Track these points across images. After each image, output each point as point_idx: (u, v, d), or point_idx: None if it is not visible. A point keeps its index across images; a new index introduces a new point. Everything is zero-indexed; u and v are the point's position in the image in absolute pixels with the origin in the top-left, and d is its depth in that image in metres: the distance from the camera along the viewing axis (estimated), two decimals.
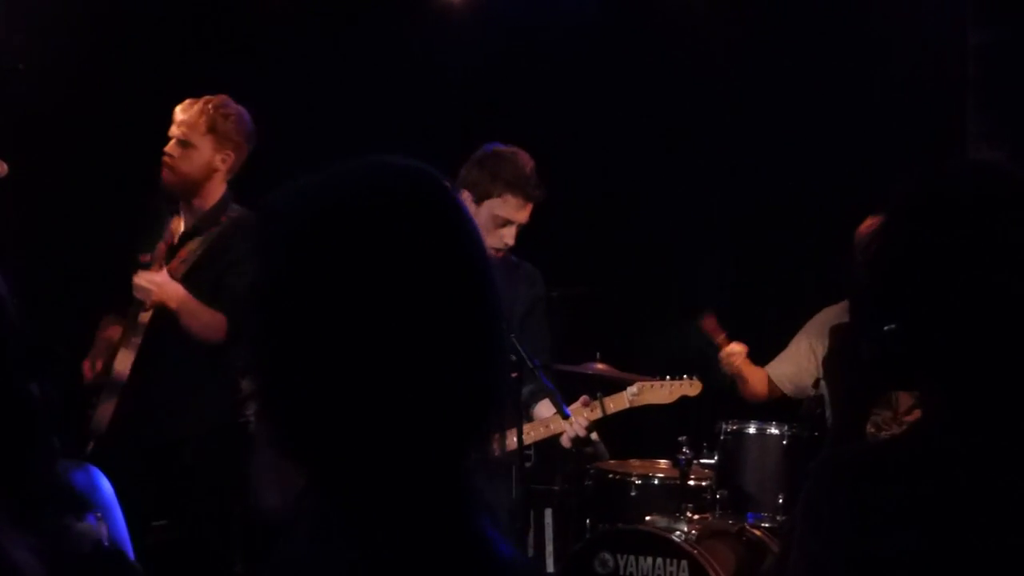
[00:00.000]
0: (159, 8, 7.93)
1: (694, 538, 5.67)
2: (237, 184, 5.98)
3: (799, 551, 2.22)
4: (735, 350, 6.10)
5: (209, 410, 5.79)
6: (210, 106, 5.95)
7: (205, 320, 5.74)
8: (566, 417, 5.22)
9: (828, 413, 5.43)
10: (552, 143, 7.44)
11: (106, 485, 2.68)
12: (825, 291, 6.10)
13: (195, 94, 7.96)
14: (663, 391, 5.51)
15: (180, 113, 5.95)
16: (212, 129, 5.93)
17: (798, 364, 6.01)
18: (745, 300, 7.41)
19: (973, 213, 2.18)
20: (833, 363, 2.57)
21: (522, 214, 5.45)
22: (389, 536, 1.62)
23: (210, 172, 5.95)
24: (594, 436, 6.02)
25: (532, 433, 5.33)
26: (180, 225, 5.97)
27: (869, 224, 5.75)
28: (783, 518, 5.67)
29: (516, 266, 5.66)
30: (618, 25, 7.85)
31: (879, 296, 2.21)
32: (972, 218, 2.17)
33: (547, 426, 5.34)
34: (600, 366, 5.80)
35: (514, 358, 5.12)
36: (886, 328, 2.19)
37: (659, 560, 5.61)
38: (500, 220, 5.44)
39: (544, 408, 5.44)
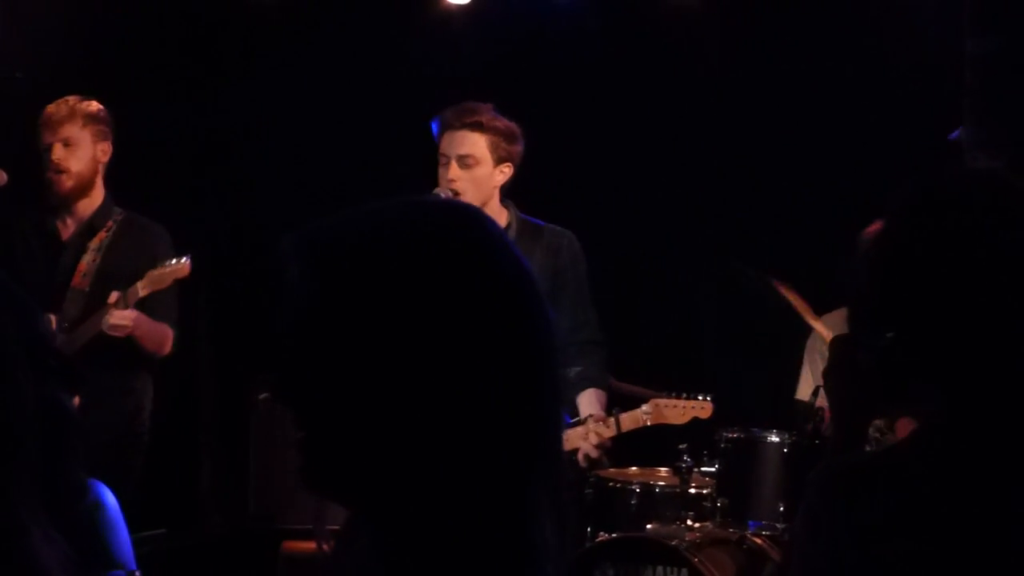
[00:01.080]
0: (157, 15, 7.93)
1: (695, 546, 5.67)
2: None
3: (799, 559, 2.22)
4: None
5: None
6: (78, 103, 6.02)
7: (158, 338, 5.91)
8: (569, 424, 5.23)
9: (826, 423, 5.43)
10: (552, 148, 7.46)
11: (111, 501, 2.69)
12: (821, 298, 6.10)
13: (193, 101, 7.98)
14: (676, 411, 5.49)
15: (51, 118, 5.98)
16: (87, 123, 5.99)
17: (804, 378, 6.05)
18: (740, 304, 7.40)
19: (970, 221, 2.18)
20: (833, 373, 2.57)
21: (450, 146, 5.44)
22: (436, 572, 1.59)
23: (96, 167, 6.03)
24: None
25: (577, 436, 5.32)
26: (63, 232, 6.04)
27: (870, 233, 5.74)
28: (784, 526, 5.67)
29: (537, 233, 5.61)
30: (617, 30, 7.86)
31: (877, 305, 2.21)
32: (969, 226, 2.18)
33: (565, 439, 5.33)
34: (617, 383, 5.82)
35: None
36: (883, 337, 2.19)
37: (660, 568, 5.60)
38: (441, 160, 5.47)
39: (585, 400, 5.43)
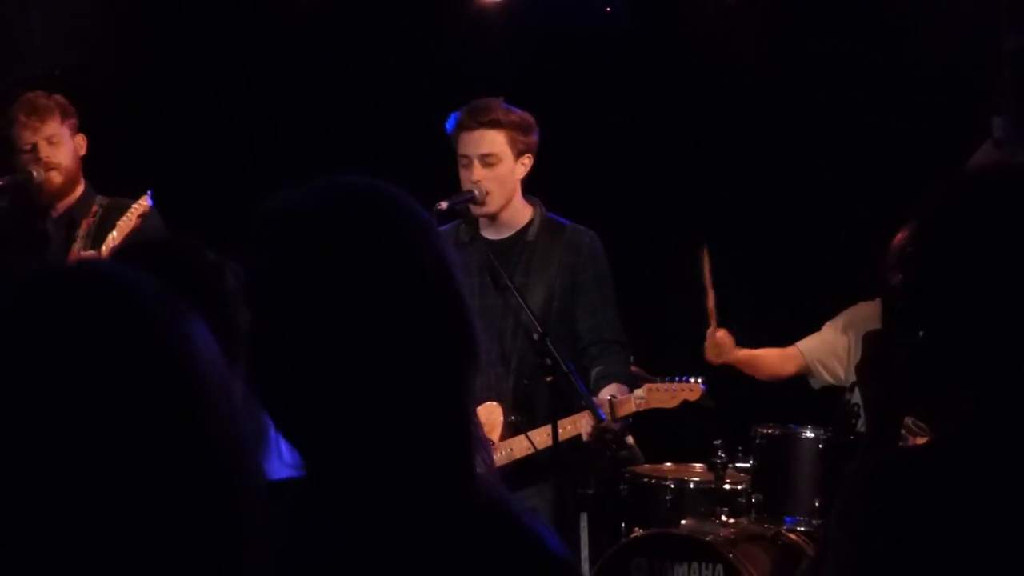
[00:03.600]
0: (193, 14, 7.96)
1: (729, 542, 5.67)
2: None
3: (834, 556, 2.22)
4: (725, 344, 6.08)
5: None
6: (49, 99, 6.04)
7: None
8: (600, 420, 5.21)
9: (862, 419, 5.42)
10: (586, 146, 7.46)
11: None
12: (853, 292, 6.11)
13: (227, 98, 8.01)
14: (666, 395, 5.46)
15: (30, 117, 5.98)
16: (65, 118, 6.02)
17: (832, 349, 6.03)
18: (774, 301, 7.39)
19: (1006, 218, 2.18)
20: (866, 369, 2.57)
21: (471, 146, 5.44)
22: (381, 519, 1.74)
23: (78, 160, 6.03)
24: (629, 440, 6.01)
25: (576, 424, 5.31)
26: (51, 225, 6.05)
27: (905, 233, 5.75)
28: (819, 522, 5.66)
29: (559, 231, 5.59)
30: (651, 27, 7.85)
31: (911, 301, 2.22)
32: (1005, 223, 2.17)
33: (573, 424, 5.32)
34: (631, 368, 5.79)
35: (549, 361, 5.09)
36: (917, 334, 2.19)
37: (694, 564, 5.61)
38: (462, 161, 5.48)
39: (604, 392, 5.41)
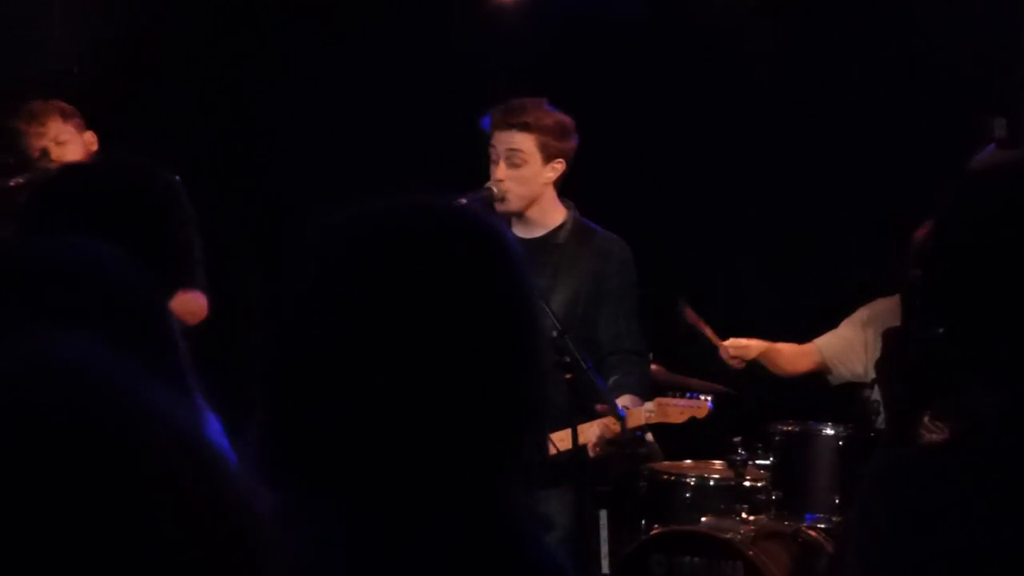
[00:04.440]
0: (209, 11, 7.97)
1: (749, 539, 5.66)
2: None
3: (854, 553, 2.21)
4: (748, 344, 6.07)
5: None
6: (47, 103, 6.05)
7: (190, 303, 5.83)
8: (620, 418, 5.20)
9: (882, 416, 5.41)
10: (601, 141, 7.45)
11: None
12: (871, 289, 6.10)
13: (244, 95, 8.02)
14: (675, 410, 5.47)
15: (31, 123, 5.98)
16: (68, 118, 6.02)
17: (850, 345, 6.02)
18: (788, 301, 7.39)
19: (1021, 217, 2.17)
20: (886, 366, 2.56)
21: (500, 143, 5.43)
22: (393, 541, 1.68)
23: (91, 156, 6.02)
24: (648, 437, 6.01)
25: (584, 432, 5.31)
26: None
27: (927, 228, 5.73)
28: (839, 519, 5.65)
29: (589, 237, 5.57)
30: (665, 25, 7.84)
31: (930, 299, 2.21)
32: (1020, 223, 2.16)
33: (583, 432, 5.31)
34: (653, 367, 5.79)
35: (567, 359, 5.08)
36: (937, 331, 2.18)
37: (714, 562, 5.60)
38: (491, 155, 5.47)
39: (623, 402, 5.40)
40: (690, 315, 6.12)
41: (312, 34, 8.18)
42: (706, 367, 6.18)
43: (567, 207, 5.61)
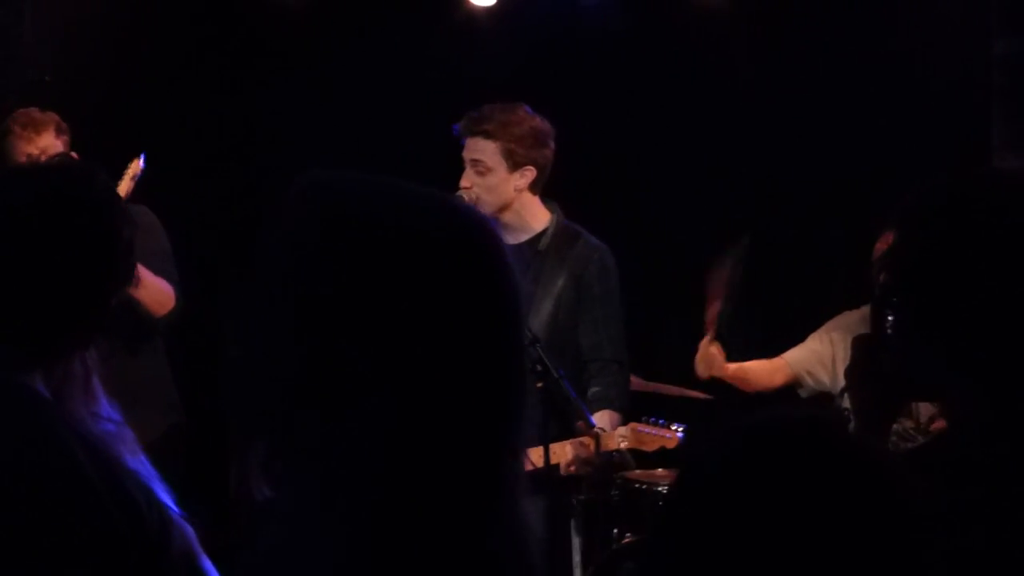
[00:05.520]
0: (186, 18, 7.96)
1: None
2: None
3: None
4: (715, 361, 6.07)
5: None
6: (45, 114, 6.06)
7: (155, 290, 5.82)
8: (591, 427, 5.20)
9: (852, 423, 5.42)
10: (578, 149, 7.45)
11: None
12: (846, 297, 6.12)
13: (219, 103, 8.00)
14: (648, 438, 5.43)
15: (26, 128, 5.99)
16: (59, 133, 6.04)
17: (818, 358, 6.04)
18: (763, 307, 7.40)
19: (997, 221, 2.17)
20: (856, 374, 2.57)
21: (465, 150, 5.45)
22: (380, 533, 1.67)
23: None
24: (622, 445, 6.01)
25: (557, 452, 5.29)
26: None
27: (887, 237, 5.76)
28: None
29: (572, 241, 5.56)
30: (641, 31, 7.85)
31: (900, 305, 2.21)
32: (996, 226, 2.17)
33: (561, 449, 5.31)
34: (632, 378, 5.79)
35: (539, 368, 5.07)
36: (907, 338, 2.19)
37: None
38: (463, 163, 5.48)
39: (597, 419, 5.38)
40: (733, 270, 6.06)
41: (290, 43, 8.17)
42: (683, 372, 6.19)
43: (551, 210, 5.58)
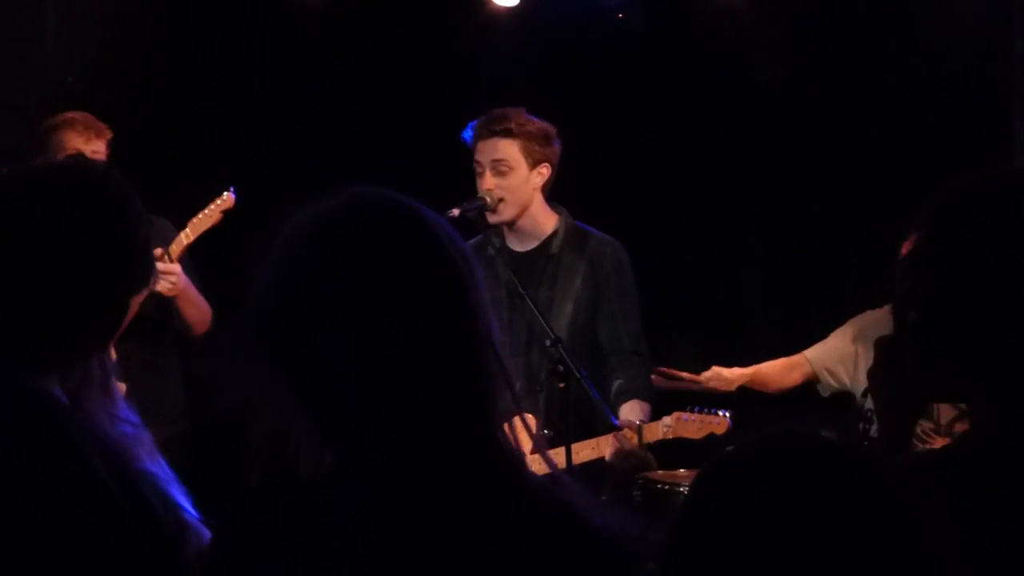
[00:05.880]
0: (207, 19, 7.97)
1: None
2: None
3: None
4: (729, 377, 6.06)
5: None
6: (92, 119, 6.06)
7: (202, 308, 5.92)
8: (615, 427, 5.21)
9: (874, 425, 5.41)
10: (597, 149, 7.45)
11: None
12: (868, 297, 6.11)
13: (239, 103, 8.01)
14: (694, 426, 5.41)
15: (88, 128, 6.03)
16: (109, 144, 6.06)
17: (839, 357, 6.03)
18: (784, 307, 7.40)
19: (1017, 220, 2.17)
20: (879, 375, 2.57)
21: (482, 154, 5.48)
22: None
23: None
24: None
25: (582, 453, 5.29)
26: None
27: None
28: None
29: (584, 241, 5.59)
30: (663, 32, 7.85)
31: (923, 307, 2.21)
32: (1016, 225, 2.17)
33: (595, 446, 5.32)
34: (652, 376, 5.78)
35: (561, 368, 5.09)
36: (930, 340, 2.19)
37: None
38: (476, 168, 5.51)
39: (626, 410, 5.40)
40: (662, 376, 6.07)
41: (306, 43, 8.18)
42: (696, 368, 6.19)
43: (558, 213, 5.61)
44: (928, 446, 5.30)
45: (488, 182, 5.43)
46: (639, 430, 5.27)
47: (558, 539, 1.93)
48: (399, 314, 1.92)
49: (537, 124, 5.51)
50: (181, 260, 5.88)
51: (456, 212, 5.33)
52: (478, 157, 5.48)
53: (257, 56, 8.23)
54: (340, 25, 8.14)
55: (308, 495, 2.00)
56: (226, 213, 5.91)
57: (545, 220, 5.58)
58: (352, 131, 8.02)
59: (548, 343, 5.14)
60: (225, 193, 5.91)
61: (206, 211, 5.88)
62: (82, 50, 7.22)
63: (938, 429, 5.37)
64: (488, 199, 5.40)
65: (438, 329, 1.94)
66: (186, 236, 5.84)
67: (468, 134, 5.54)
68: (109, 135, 6.08)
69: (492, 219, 5.46)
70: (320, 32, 8.17)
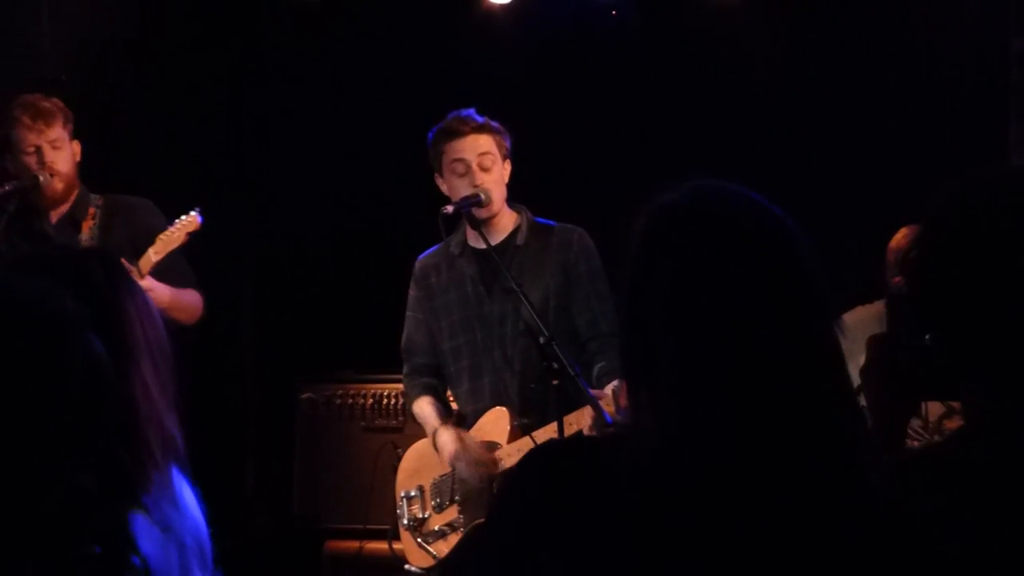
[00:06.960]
0: (199, 17, 7.96)
1: None
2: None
3: None
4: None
5: None
6: (51, 102, 5.98)
7: (188, 305, 5.86)
8: (609, 425, 5.19)
9: (867, 422, 5.40)
10: (593, 146, 7.45)
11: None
12: (861, 294, 6.11)
13: (233, 101, 8.00)
14: None
15: (36, 120, 5.90)
16: (67, 123, 5.98)
17: None
18: None
19: (1013, 220, 2.17)
20: (872, 373, 2.56)
21: (467, 151, 5.48)
22: None
23: (76, 164, 5.99)
24: None
25: (576, 420, 5.29)
26: (50, 228, 5.99)
27: (903, 235, 5.75)
28: None
29: (548, 233, 5.62)
30: (657, 30, 7.85)
31: (918, 306, 2.21)
32: (1012, 225, 2.16)
33: (574, 421, 5.30)
34: None
35: (555, 365, 5.08)
36: (926, 338, 2.18)
37: None
38: (458, 168, 5.49)
39: (609, 388, 5.39)
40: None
41: (302, 41, 8.17)
42: None
43: (517, 210, 5.65)
44: (919, 443, 5.30)
45: (479, 177, 5.44)
46: (615, 395, 5.27)
47: (887, 526, 1.93)
48: (760, 291, 2.12)
49: (495, 122, 5.57)
50: (168, 257, 5.81)
51: (450, 209, 5.35)
52: (460, 156, 5.48)
53: (252, 55, 8.23)
54: (336, 24, 8.14)
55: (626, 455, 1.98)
56: (191, 236, 5.82)
57: (508, 215, 5.61)
58: (348, 128, 8.02)
59: (541, 340, 5.14)
60: (192, 212, 5.81)
61: (174, 228, 5.79)
62: (76, 48, 7.21)
63: (927, 426, 5.36)
64: (482, 194, 5.41)
65: (794, 309, 2.11)
66: (155, 253, 5.75)
67: (441, 138, 5.54)
68: (61, 117, 5.93)
69: (483, 213, 5.48)
70: (316, 31, 8.16)
